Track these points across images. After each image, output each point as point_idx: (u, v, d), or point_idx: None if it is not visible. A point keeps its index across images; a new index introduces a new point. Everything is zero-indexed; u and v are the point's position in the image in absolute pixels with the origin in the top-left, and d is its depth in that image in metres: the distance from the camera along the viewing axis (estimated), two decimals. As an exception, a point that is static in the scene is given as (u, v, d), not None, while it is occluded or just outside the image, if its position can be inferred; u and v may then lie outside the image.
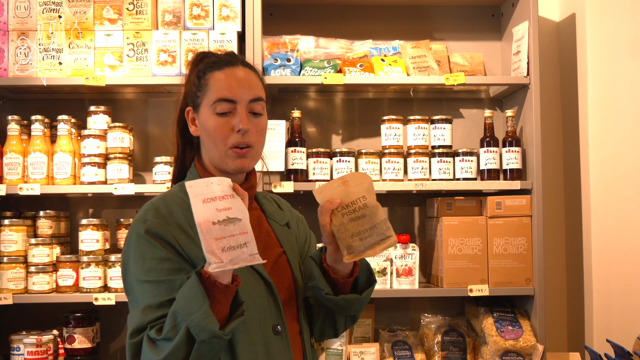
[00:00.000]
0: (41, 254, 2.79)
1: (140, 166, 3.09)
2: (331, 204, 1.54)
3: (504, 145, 2.92)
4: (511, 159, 2.89)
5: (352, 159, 2.87)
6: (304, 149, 2.85)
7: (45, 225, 2.86)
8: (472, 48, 3.20)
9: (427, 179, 2.88)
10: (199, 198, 1.37)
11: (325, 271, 1.63)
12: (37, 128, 2.81)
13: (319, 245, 1.86)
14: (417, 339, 2.92)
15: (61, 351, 2.84)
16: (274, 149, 2.80)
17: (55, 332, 2.84)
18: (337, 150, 2.88)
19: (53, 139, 2.88)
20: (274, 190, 2.74)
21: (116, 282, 2.75)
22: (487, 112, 2.97)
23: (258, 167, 1.82)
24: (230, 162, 1.60)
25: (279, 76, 2.84)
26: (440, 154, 2.88)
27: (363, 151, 2.88)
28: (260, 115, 1.63)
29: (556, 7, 3.29)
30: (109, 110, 2.94)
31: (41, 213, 2.86)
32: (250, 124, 1.60)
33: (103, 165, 2.82)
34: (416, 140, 2.90)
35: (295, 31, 3.04)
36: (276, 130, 2.81)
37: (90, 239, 2.80)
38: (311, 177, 2.85)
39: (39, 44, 2.79)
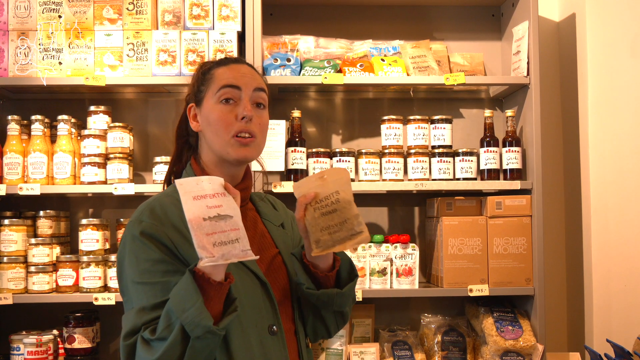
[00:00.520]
0: (41, 254, 2.79)
1: (140, 166, 3.09)
2: (305, 199, 1.54)
3: (504, 145, 2.92)
4: (511, 159, 2.89)
5: (352, 159, 2.87)
6: (304, 149, 2.85)
7: (45, 225, 2.86)
8: (472, 48, 3.20)
9: (427, 179, 2.88)
10: (190, 195, 1.37)
11: (306, 266, 1.63)
12: (37, 128, 2.81)
13: None
14: (417, 339, 2.92)
15: (61, 351, 2.84)
16: (274, 148, 2.80)
17: (55, 332, 2.84)
18: (337, 150, 2.88)
19: (53, 139, 2.88)
20: (274, 190, 2.74)
21: (116, 282, 2.74)
22: (487, 112, 2.97)
23: (256, 167, 1.82)
24: (232, 151, 1.60)
25: (279, 76, 2.84)
26: (440, 154, 2.88)
27: (363, 151, 2.88)
28: (264, 107, 1.65)
29: (556, 7, 3.29)
30: (109, 110, 2.94)
31: (41, 213, 2.86)
32: (254, 113, 1.61)
33: (103, 165, 2.82)
34: (416, 140, 2.90)
35: (295, 31, 3.04)
36: (276, 130, 2.81)
37: (90, 238, 2.80)
38: (311, 177, 2.85)
39: (39, 44, 2.79)
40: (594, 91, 2.99)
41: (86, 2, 2.81)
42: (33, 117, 2.82)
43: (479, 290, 2.81)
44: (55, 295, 2.78)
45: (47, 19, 2.80)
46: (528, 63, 2.86)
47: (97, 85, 2.75)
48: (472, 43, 3.22)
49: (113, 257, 2.76)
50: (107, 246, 2.88)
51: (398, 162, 2.86)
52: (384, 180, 2.87)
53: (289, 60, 2.89)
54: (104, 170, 2.83)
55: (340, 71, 2.88)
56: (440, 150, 2.89)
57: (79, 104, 3.07)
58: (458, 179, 2.90)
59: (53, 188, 2.78)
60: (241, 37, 2.86)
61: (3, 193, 2.72)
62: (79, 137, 2.88)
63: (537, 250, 2.82)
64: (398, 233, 3.08)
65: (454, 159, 2.90)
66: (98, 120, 2.89)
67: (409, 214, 3.19)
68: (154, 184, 2.83)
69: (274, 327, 1.59)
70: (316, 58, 2.95)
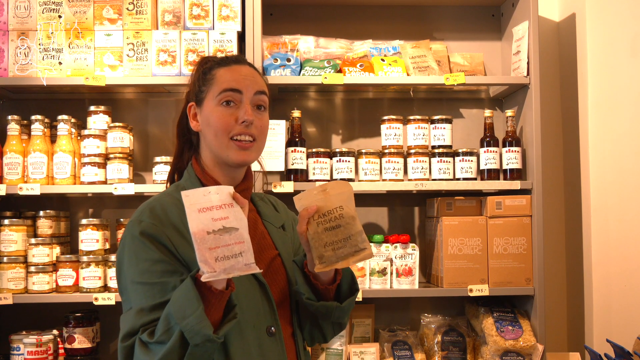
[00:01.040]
0: (41, 254, 2.79)
1: (140, 166, 3.09)
2: (307, 212, 1.53)
3: (504, 145, 2.92)
4: (511, 159, 2.89)
5: (352, 159, 2.87)
6: (304, 149, 2.85)
7: (45, 225, 2.86)
8: (472, 48, 3.20)
9: (427, 179, 2.88)
10: (195, 207, 1.36)
11: (306, 276, 1.64)
12: (37, 128, 2.81)
13: None
14: (417, 339, 2.92)
15: (61, 351, 2.84)
16: (274, 148, 2.80)
17: (55, 332, 2.84)
18: (337, 150, 2.87)
19: (53, 139, 2.88)
20: (274, 190, 2.74)
21: (116, 282, 2.74)
22: (487, 112, 2.97)
23: (255, 167, 1.82)
24: (232, 154, 1.60)
25: (279, 76, 2.84)
26: (440, 154, 2.88)
27: (363, 151, 2.87)
28: (264, 110, 1.65)
29: (556, 7, 3.29)
30: (109, 110, 2.94)
31: (41, 213, 2.86)
32: (255, 117, 1.61)
33: (103, 165, 2.82)
34: (416, 140, 2.90)
35: (295, 31, 3.04)
36: (276, 130, 2.81)
37: (90, 238, 2.80)
38: (311, 177, 2.85)
39: (39, 44, 2.79)
40: (594, 91, 2.99)
41: (86, 2, 2.81)
42: (33, 117, 2.82)
43: (479, 290, 2.81)
44: (55, 295, 2.78)
45: (47, 19, 2.80)
46: (528, 63, 2.86)
47: (97, 85, 2.75)
48: (472, 43, 3.22)
49: (113, 257, 2.76)
50: (107, 246, 2.88)
51: (398, 162, 2.86)
52: (384, 180, 2.87)
53: (289, 60, 2.89)
54: (104, 170, 2.82)
55: (340, 71, 2.88)
56: (440, 150, 2.88)
57: (79, 104, 3.07)
58: (458, 179, 2.90)
59: (53, 188, 2.78)
60: (241, 37, 2.86)
61: (3, 193, 2.72)
62: (79, 137, 2.88)
63: (537, 250, 2.82)
64: (398, 233, 3.08)
65: (454, 159, 2.90)
66: (98, 120, 2.89)
67: (409, 214, 3.19)
68: (154, 184, 2.83)
69: (272, 328, 1.59)
70: (316, 58, 2.95)
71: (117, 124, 2.85)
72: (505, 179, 2.92)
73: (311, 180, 2.84)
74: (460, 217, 2.87)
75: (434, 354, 2.87)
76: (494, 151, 2.91)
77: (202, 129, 1.64)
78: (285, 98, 3.13)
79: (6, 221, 2.81)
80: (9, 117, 2.84)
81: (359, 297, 2.74)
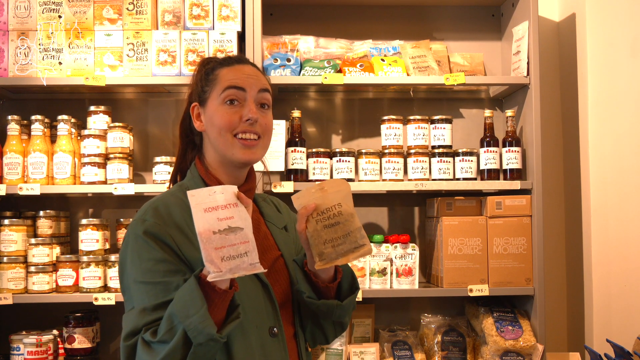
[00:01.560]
0: (41, 254, 2.79)
1: (140, 166, 3.09)
2: (306, 210, 1.54)
3: (504, 145, 2.92)
4: (511, 159, 2.89)
5: (352, 159, 2.87)
6: (304, 149, 2.85)
7: (45, 225, 2.86)
8: (472, 48, 3.20)
9: (427, 179, 2.88)
10: (201, 207, 1.37)
11: (307, 274, 1.64)
12: (37, 128, 2.81)
13: None
14: (417, 339, 2.92)
15: (61, 351, 2.84)
16: (274, 148, 2.80)
17: (55, 332, 2.84)
18: (337, 150, 2.88)
19: (53, 139, 2.88)
20: (274, 190, 2.74)
21: (116, 282, 2.74)
22: (487, 112, 2.97)
23: (258, 166, 1.82)
24: (237, 152, 1.60)
25: (279, 76, 2.84)
26: (440, 154, 2.88)
27: (363, 151, 2.87)
28: (268, 108, 1.66)
29: (556, 7, 3.29)
30: (109, 110, 2.94)
31: (41, 213, 2.86)
32: (259, 115, 1.61)
33: (103, 165, 2.82)
34: (416, 140, 2.90)
35: (295, 31, 3.04)
36: (276, 130, 2.81)
37: (90, 238, 2.80)
38: (311, 177, 2.85)
39: (39, 44, 2.79)
40: (594, 91, 2.99)
41: (86, 2, 2.81)
42: (33, 117, 2.82)
43: (479, 290, 2.81)
44: (55, 295, 2.78)
45: (47, 19, 2.80)
46: (528, 63, 2.86)
47: (97, 85, 2.75)
48: (472, 43, 3.22)
49: (113, 257, 2.76)
50: (107, 246, 2.88)
51: (398, 162, 2.86)
52: (384, 180, 2.87)
53: (289, 60, 2.89)
54: (104, 170, 2.83)
55: (340, 71, 2.88)
56: (440, 150, 2.88)
57: (79, 104, 3.07)
58: (458, 179, 2.90)
59: (53, 188, 2.78)
60: (241, 37, 2.86)
61: (3, 193, 2.72)
62: (79, 137, 2.88)
63: (537, 250, 2.82)
64: (398, 233, 3.08)
65: (454, 159, 2.90)
66: (98, 120, 2.89)
67: (409, 214, 3.19)
68: (154, 184, 2.83)
69: (275, 328, 1.59)
70: (316, 58, 2.95)
71: (117, 124, 2.85)
72: (505, 179, 2.92)
73: (311, 180, 2.84)
74: (460, 217, 2.87)
75: (434, 354, 2.87)
76: (494, 151, 2.91)
77: (206, 129, 1.64)
78: (285, 98, 3.13)
79: (6, 221, 2.81)
80: (9, 117, 2.84)
81: (359, 297, 2.74)
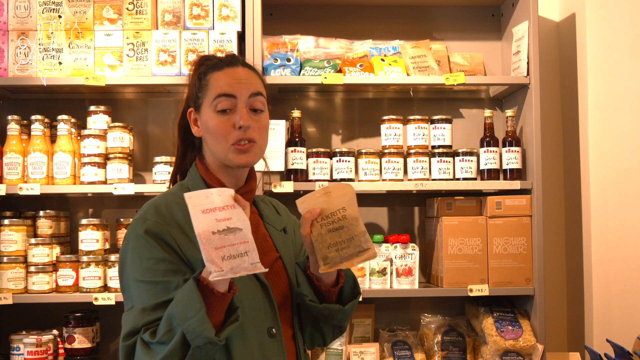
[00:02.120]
0: (41, 254, 2.79)
1: (140, 166, 3.09)
2: (311, 214, 1.54)
3: (504, 145, 2.92)
4: (511, 158, 2.89)
5: (352, 159, 2.87)
6: (304, 149, 2.85)
7: (45, 225, 2.85)
8: (472, 48, 3.20)
9: (427, 179, 2.88)
10: (198, 208, 1.37)
11: (310, 278, 1.64)
12: (37, 128, 2.81)
13: None
14: (417, 339, 2.92)
15: (61, 351, 2.84)
16: (274, 148, 2.80)
17: (55, 332, 2.84)
18: (337, 150, 2.87)
19: (53, 139, 2.88)
20: (274, 190, 2.74)
21: (116, 281, 2.74)
22: (487, 112, 2.97)
23: (259, 167, 1.82)
24: (233, 158, 1.60)
25: (279, 76, 2.84)
26: (440, 154, 2.88)
27: (363, 151, 2.87)
28: (261, 111, 1.64)
29: (556, 7, 3.29)
30: (109, 110, 2.94)
31: (41, 213, 2.86)
32: (251, 121, 1.60)
33: (103, 165, 2.82)
34: (416, 140, 2.90)
35: (295, 31, 3.04)
36: (276, 130, 2.81)
37: (90, 238, 2.80)
38: (311, 177, 2.85)
39: (39, 44, 2.79)
40: (594, 91, 2.99)
41: (86, 2, 2.81)
42: (33, 117, 2.82)
43: (479, 290, 2.81)
44: (55, 295, 2.78)
45: (47, 19, 2.80)
46: (528, 63, 2.86)
47: (97, 85, 2.75)
48: (472, 43, 3.22)
49: (113, 257, 2.76)
50: (107, 246, 2.88)
51: (398, 162, 2.86)
52: (384, 180, 2.87)
53: (288, 60, 2.89)
54: (104, 170, 2.82)
55: (340, 71, 2.88)
56: (440, 150, 2.88)
57: (79, 104, 3.07)
58: (458, 179, 2.90)
59: (53, 188, 2.78)
60: (241, 37, 2.86)
61: (3, 193, 2.72)
62: (79, 137, 2.88)
63: (537, 250, 2.82)
64: (398, 233, 3.08)
65: (454, 159, 2.90)
66: (98, 120, 2.89)
67: (409, 214, 3.19)
68: (154, 184, 2.83)
69: (273, 329, 1.59)
70: (316, 58, 2.95)
71: (117, 124, 2.85)
72: (505, 179, 2.92)
73: (311, 180, 2.84)
74: (460, 217, 2.87)
75: (434, 354, 2.87)
76: (494, 151, 2.91)
77: (203, 135, 1.64)
78: (285, 98, 3.13)
79: (6, 221, 2.81)
80: (9, 117, 2.84)
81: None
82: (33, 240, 2.80)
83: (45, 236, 2.84)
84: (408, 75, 2.92)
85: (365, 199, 3.15)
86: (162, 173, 2.82)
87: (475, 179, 2.90)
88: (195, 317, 1.35)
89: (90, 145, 2.81)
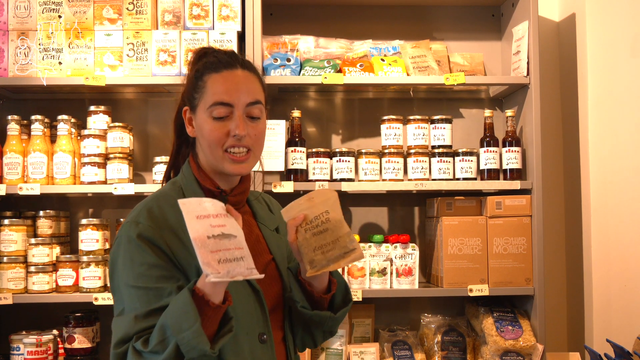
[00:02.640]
0: (41, 254, 2.79)
1: (140, 166, 3.09)
2: (295, 221, 1.54)
3: (504, 145, 2.92)
4: (511, 158, 2.89)
5: (352, 159, 2.87)
6: (304, 149, 2.85)
7: (45, 225, 2.86)
8: (472, 48, 3.20)
9: (427, 179, 2.88)
10: (193, 214, 1.36)
11: (301, 283, 1.63)
12: (37, 128, 2.81)
13: None
14: (417, 339, 2.92)
15: (61, 351, 2.84)
16: (274, 148, 2.80)
17: (55, 332, 2.84)
18: (337, 150, 2.87)
19: (53, 139, 2.88)
20: (274, 190, 2.74)
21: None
22: (487, 112, 2.97)
23: (255, 167, 1.82)
24: (227, 166, 1.57)
25: (279, 76, 2.84)
26: (440, 154, 2.88)
27: (363, 151, 2.87)
28: (258, 119, 1.60)
29: (556, 7, 3.29)
30: (109, 110, 2.94)
31: (41, 213, 2.86)
32: (248, 129, 1.57)
33: (103, 165, 2.82)
34: (416, 140, 2.90)
35: (295, 31, 3.04)
36: (276, 130, 2.81)
37: (90, 238, 2.80)
38: (311, 177, 2.85)
39: (39, 44, 2.79)
40: (594, 91, 2.99)
41: (86, 2, 2.81)
42: (33, 117, 2.82)
43: (479, 290, 2.81)
44: (55, 295, 2.78)
45: (47, 19, 2.80)
46: (528, 63, 2.86)
47: (97, 85, 2.75)
48: (472, 43, 3.22)
49: (113, 257, 2.76)
50: (107, 246, 2.88)
51: (398, 162, 2.86)
52: (384, 180, 2.87)
53: (288, 60, 2.89)
54: (104, 170, 2.83)
55: (340, 71, 2.88)
56: (440, 150, 2.88)
57: (79, 104, 3.07)
58: (458, 179, 2.90)
59: (53, 188, 2.78)
60: (241, 37, 2.86)
61: (3, 193, 2.72)
62: (79, 137, 2.88)
63: (537, 250, 2.82)
64: (398, 233, 3.08)
65: (454, 159, 2.90)
66: (98, 120, 2.89)
67: (409, 214, 3.19)
68: (154, 184, 2.83)
69: (264, 335, 1.58)
70: (316, 58, 2.95)
71: (117, 124, 2.85)
72: (505, 179, 2.92)
73: (311, 180, 2.84)
74: (460, 217, 2.87)
75: (434, 354, 2.87)
76: (494, 151, 2.91)
77: (197, 137, 1.61)
78: (285, 98, 3.13)
79: (6, 221, 2.81)
80: (9, 117, 2.84)
81: (359, 297, 2.75)
82: (33, 240, 2.80)
83: (45, 236, 2.84)
84: (408, 75, 2.92)
85: (365, 199, 3.15)
86: (162, 173, 2.82)
87: (475, 179, 2.90)
88: (190, 330, 1.33)
89: (90, 145, 2.81)
